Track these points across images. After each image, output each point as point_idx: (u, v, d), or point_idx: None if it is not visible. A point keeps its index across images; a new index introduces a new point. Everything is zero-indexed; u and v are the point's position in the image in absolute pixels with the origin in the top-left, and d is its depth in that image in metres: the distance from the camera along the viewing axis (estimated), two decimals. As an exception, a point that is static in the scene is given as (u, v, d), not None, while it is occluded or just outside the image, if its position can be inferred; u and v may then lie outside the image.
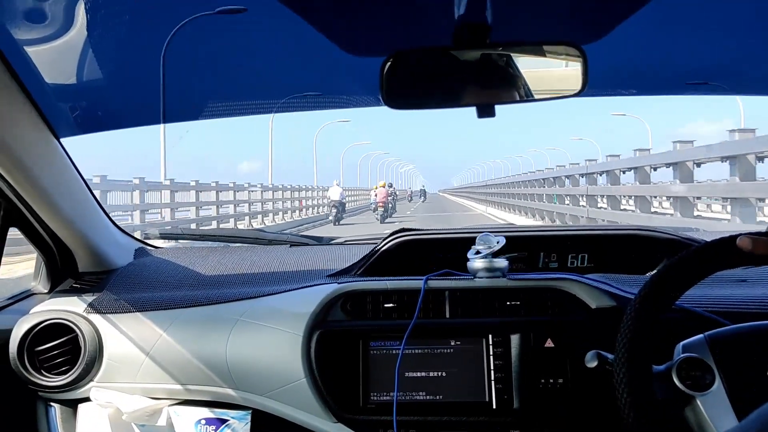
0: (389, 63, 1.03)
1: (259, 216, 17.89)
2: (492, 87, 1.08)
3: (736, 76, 1.60)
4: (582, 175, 13.59)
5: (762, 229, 0.85)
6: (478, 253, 1.16)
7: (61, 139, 1.23)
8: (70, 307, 1.27)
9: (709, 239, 0.87)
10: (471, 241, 1.18)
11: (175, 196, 13.63)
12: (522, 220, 16.12)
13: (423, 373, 1.12)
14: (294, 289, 1.26)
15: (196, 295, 1.28)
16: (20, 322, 1.24)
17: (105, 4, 1.12)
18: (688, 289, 0.84)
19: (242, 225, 15.71)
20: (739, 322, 0.94)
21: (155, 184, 13.14)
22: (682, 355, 0.87)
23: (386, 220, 19.62)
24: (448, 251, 1.33)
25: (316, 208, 23.92)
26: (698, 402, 0.85)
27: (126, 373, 1.23)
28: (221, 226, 14.47)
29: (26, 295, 1.40)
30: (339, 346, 1.15)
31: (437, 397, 1.12)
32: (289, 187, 21.98)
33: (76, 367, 1.22)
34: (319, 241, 1.74)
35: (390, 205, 22.56)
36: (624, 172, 10.79)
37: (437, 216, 23.57)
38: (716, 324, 0.99)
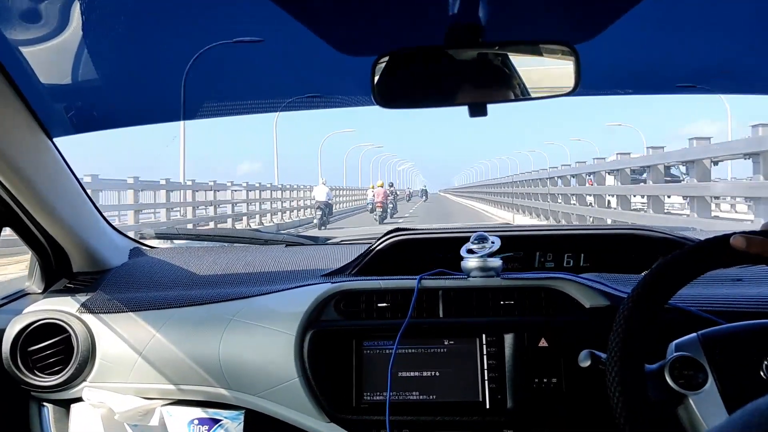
0: (381, 62, 1.04)
1: (229, 219, 16.19)
2: (484, 86, 1.08)
3: (729, 75, 1.60)
4: (589, 174, 13.49)
5: None
6: (471, 252, 1.16)
7: (54, 139, 1.23)
8: (63, 307, 1.27)
9: (704, 238, 0.86)
10: (466, 241, 1.17)
11: (166, 196, 13.24)
12: (527, 221, 15.87)
13: (416, 373, 1.12)
14: (287, 289, 1.26)
15: (189, 295, 1.28)
16: (13, 321, 1.24)
17: (100, 5, 1.11)
18: (681, 288, 0.83)
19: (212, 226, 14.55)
20: (733, 322, 0.94)
21: (149, 184, 12.93)
22: (674, 354, 0.86)
23: (385, 221, 19.04)
24: (442, 251, 1.33)
25: (300, 210, 22.48)
26: (691, 401, 0.84)
27: (119, 373, 1.22)
28: (195, 227, 13.79)
29: (20, 295, 1.39)
30: (332, 345, 1.15)
31: (431, 396, 1.11)
32: (268, 186, 20.15)
33: (68, 367, 1.22)
34: (315, 241, 1.74)
35: (391, 206, 22.28)
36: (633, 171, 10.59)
37: (438, 217, 23.48)
38: (710, 323, 0.98)
